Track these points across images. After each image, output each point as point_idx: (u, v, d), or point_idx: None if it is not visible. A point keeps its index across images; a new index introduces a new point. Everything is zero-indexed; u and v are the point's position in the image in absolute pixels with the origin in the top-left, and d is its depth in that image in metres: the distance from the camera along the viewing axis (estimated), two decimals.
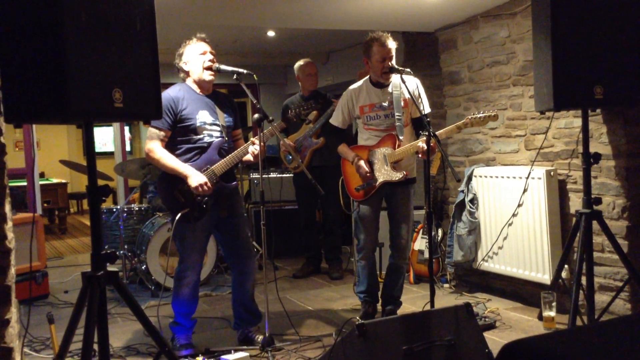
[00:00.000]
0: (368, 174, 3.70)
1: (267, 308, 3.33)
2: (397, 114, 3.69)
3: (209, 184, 3.27)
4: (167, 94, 3.32)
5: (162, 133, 3.29)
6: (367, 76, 3.84)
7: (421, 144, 3.48)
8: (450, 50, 4.97)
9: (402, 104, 3.70)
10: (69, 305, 4.60)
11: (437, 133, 3.57)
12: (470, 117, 3.55)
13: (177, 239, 3.41)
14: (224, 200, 3.43)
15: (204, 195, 3.30)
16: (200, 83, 3.42)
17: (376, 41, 3.62)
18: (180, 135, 3.34)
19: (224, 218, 3.46)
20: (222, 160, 3.37)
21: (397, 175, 3.69)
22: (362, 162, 3.71)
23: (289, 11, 4.43)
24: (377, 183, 3.73)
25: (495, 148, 4.56)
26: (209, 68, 3.37)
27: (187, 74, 3.43)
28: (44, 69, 2.00)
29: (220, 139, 3.41)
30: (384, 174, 3.72)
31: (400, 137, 3.68)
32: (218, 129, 3.42)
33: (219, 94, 3.57)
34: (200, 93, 3.43)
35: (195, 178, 3.25)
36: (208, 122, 3.38)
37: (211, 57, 3.39)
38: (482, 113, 3.52)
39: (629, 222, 3.60)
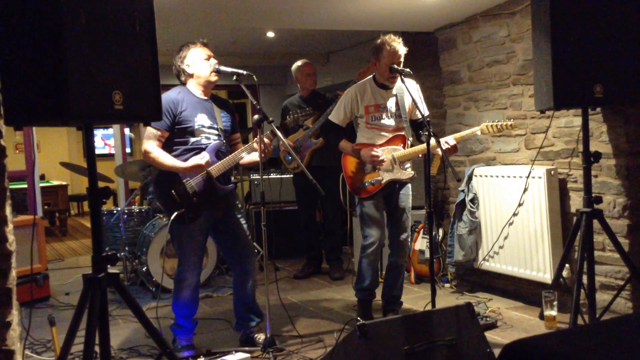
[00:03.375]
0: (383, 162, 3.67)
1: (267, 308, 3.33)
2: (403, 115, 3.71)
3: (207, 158, 3.30)
4: (167, 96, 3.36)
5: (159, 133, 3.32)
6: (370, 76, 3.84)
7: (443, 143, 3.47)
8: (449, 50, 4.97)
9: (407, 106, 3.73)
10: (70, 307, 4.60)
11: (451, 137, 3.59)
12: (486, 124, 3.57)
13: (175, 241, 3.43)
14: (220, 201, 3.44)
15: (199, 196, 3.32)
16: (204, 85, 3.44)
17: (388, 46, 3.59)
18: (178, 137, 3.37)
19: (221, 219, 3.47)
20: (219, 163, 3.38)
21: (405, 175, 3.71)
22: (369, 149, 3.68)
23: (289, 12, 4.43)
24: (384, 181, 3.73)
25: (496, 147, 4.56)
26: (214, 71, 3.42)
27: (190, 76, 3.44)
28: (44, 71, 2.01)
29: (218, 141, 3.42)
30: (391, 172, 3.72)
31: (410, 138, 3.71)
32: (216, 132, 3.44)
33: (218, 98, 3.61)
34: (200, 96, 3.45)
35: (197, 160, 3.28)
36: (206, 126, 3.40)
37: (215, 61, 3.44)
38: (498, 121, 3.54)
39: (629, 221, 3.59)
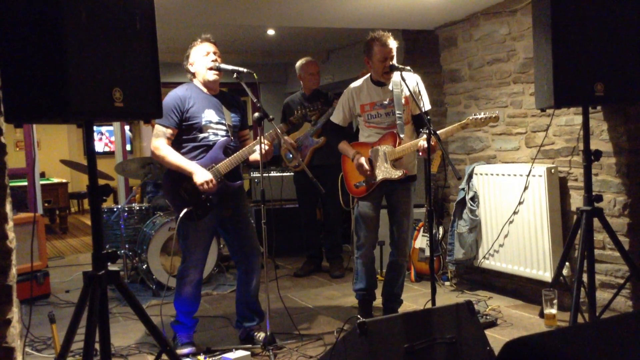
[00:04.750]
0: (368, 172, 3.70)
1: (268, 306, 3.33)
2: (397, 112, 3.68)
3: (214, 181, 3.29)
4: (175, 93, 3.37)
5: (169, 131, 3.32)
6: (368, 74, 3.83)
7: (422, 142, 3.46)
8: (450, 48, 4.97)
9: (403, 101, 3.70)
10: (70, 305, 4.60)
11: (437, 133, 3.57)
12: (471, 117, 3.53)
13: (180, 237, 3.43)
14: (228, 199, 3.44)
15: (208, 194, 3.32)
16: (206, 83, 3.44)
17: (377, 41, 3.61)
18: (186, 133, 3.37)
19: (229, 217, 3.47)
20: (227, 159, 3.38)
21: (396, 173, 3.69)
22: (362, 160, 3.70)
23: (289, 10, 4.43)
24: (377, 180, 3.73)
25: (496, 146, 4.56)
26: (211, 68, 3.39)
27: (193, 75, 3.46)
28: (44, 69, 2.01)
29: (226, 138, 3.42)
30: (383, 171, 3.71)
31: (401, 135, 3.68)
32: (224, 128, 3.44)
33: (226, 94, 3.60)
34: (207, 93, 3.45)
35: (201, 175, 3.27)
36: (214, 121, 3.40)
37: (214, 57, 3.41)
38: (483, 114, 3.51)
39: (630, 219, 3.59)
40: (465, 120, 3.54)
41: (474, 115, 3.52)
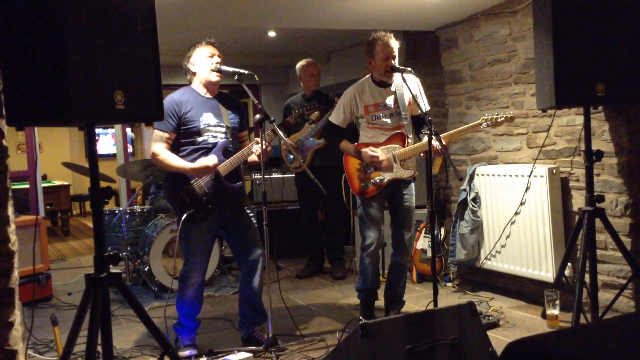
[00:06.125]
0: (383, 163, 3.67)
1: (270, 308, 3.33)
2: (403, 113, 3.69)
3: (217, 162, 3.31)
4: (172, 97, 3.38)
5: (167, 135, 3.33)
6: (368, 75, 3.83)
7: (435, 142, 3.43)
8: (451, 49, 4.97)
9: (407, 102, 3.71)
10: (72, 307, 4.60)
11: (449, 133, 3.57)
12: (484, 117, 3.52)
13: (182, 240, 3.44)
14: (228, 200, 3.44)
15: (209, 196, 3.32)
16: (206, 85, 3.45)
17: (379, 40, 3.62)
18: (185, 137, 3.38)
19: (230, 218, 3.48)
20: (227, 161, 3.39)
21: (407, 173, 3.70)
22: (375, 150, 3.66)
23: (290, 11, 4.44)
24: (385, 180, 3.72)
25: (497, 146, 4.56)
26: (214, 70, 3.41)
27: (193, 74, 3.46)
28: (45, 71, 2.01)
29: (225, 139, 3.43)
30: (392, 171, 3.71)
31: (410, 136, 3.69)
32: (223, 130, 3.45)
33: (225, 96, 3.61)
34: (205, 95, 3.46)
35: (205, 161, 3.29)
36: (212, 124, 3.41)
37: (218, 59, 3.43)
38: (497, 114, 3.49)
39: (632, 220, 3.59)
40: (479, 121, 3.53)
41: (489, 116, 3.50)
